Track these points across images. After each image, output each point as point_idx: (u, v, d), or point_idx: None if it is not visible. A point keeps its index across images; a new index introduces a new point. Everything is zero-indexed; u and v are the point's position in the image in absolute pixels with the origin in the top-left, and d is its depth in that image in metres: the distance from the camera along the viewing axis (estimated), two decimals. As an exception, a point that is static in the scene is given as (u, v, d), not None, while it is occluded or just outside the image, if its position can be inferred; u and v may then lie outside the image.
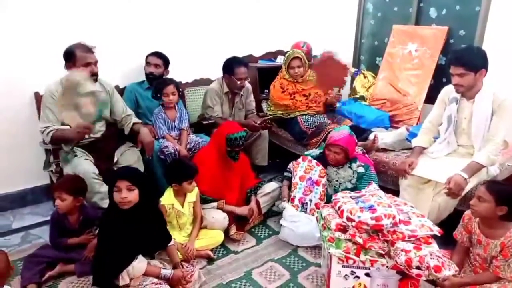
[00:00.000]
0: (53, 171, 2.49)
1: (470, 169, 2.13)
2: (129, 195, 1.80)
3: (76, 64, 2.31)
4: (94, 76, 2.38)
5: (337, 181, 2.51)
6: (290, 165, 2.67)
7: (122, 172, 1.95)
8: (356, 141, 2.55)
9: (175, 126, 2.85)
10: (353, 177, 2.47)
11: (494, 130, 2.18)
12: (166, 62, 3.05)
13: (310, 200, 2.47)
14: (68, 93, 2.14)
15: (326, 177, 2.52)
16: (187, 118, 2.95)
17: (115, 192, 1.81)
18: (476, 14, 3.14)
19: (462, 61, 2.12)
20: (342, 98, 3.76)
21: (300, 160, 2.61)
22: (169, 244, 2.01)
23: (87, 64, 2.33)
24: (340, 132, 2.50)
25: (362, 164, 2.47)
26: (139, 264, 1.83)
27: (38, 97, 2.63)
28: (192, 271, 1.96)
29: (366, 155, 2.71)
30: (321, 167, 2.53)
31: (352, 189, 2.38)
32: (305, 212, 2.46)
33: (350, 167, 2.48)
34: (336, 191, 2.48)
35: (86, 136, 2.24)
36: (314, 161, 2.56)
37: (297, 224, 2.36)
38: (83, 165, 2.30)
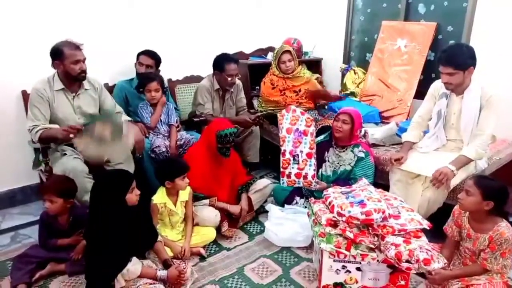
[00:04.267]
0: (43, 170, 2.46)
1: (458, 162, 2.18)
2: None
3: (65, 61, 2.28)
4: (83, 73, 2.36)
5: (338, 163, 2.55)
6: None
7: (130, 174, 1.97)
8: (362, 122, 2.61)
9: (162, 122, 2.84)
10: (353, 160, 2.51)
11: (482, 125, 2.21)
12: (158, 62, 3.02)
13: (301, 152, 2.50)
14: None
15: (325, 157, 2.57)
16: (176, 113, 2.93)
17: (130, 194, 1.81)
18: (463, 9, 3.17)
19: (452, 61, 2.15)
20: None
21: (284, 112, 2.62)
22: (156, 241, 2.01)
23: (77, 62, 2.30)
24: (350, 106, 2.63)
25: (364, 150, 2.52)
26: (134, 266, 1.81)
27: (25, 96, 2.60)
28: (184, 268, 1.96)
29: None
30: (306, 115, 2.59)
31: (349, 172, 2.47)
32: (297, 163, 2.48)
33: (352, 151, 2.53)
34: (335, 172, 2.55)
35: (71, 136, 2.20)
36: (299, 110, 2.61)
37: (280, 227, 2.36)
38: (73, 163, 2.28)
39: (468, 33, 3.13)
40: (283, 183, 2.55)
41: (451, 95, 2.32)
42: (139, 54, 2.99)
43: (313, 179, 2.48)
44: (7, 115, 2.68)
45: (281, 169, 2.54)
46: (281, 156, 2.53)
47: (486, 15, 3.00)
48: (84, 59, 2.34)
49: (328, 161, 2.60)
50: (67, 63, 2.28)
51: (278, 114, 2.65)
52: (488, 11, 2.99)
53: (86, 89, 2.47)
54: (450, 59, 2.16)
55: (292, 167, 2.51)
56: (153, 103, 2.80)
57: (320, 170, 2.60)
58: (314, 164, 2.50)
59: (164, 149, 2.64)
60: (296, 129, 2.53)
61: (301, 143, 2.51)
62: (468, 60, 2.15)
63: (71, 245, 2.10)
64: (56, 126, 2.30)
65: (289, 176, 2.52)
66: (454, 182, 2.16)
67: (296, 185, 2.53)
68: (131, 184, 1.84)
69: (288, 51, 3.22)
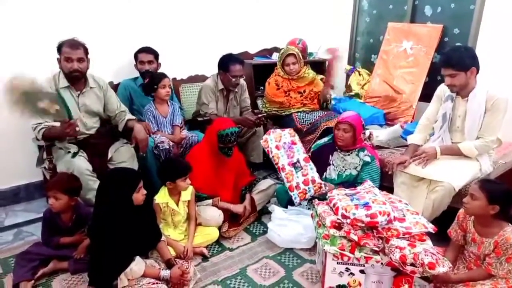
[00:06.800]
0: (46, 167, 2.45)
1: (447, 149, 2.27)
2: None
3: (61, 58, 2.32)
4: (76, 73, 2.35)
5: (343, 167, 2.54)
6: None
7: (138, 172, 1.99)
8: (364, 124, 2.59)
9: (166, 122, 2.83)
10: (359, 164, 2.50)
11: (485, 128, 2.21)
12: (157, 56, 3.02)
13: (298, 160, 2.51)
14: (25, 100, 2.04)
15: (330, 160, 2.58)
16: (180, 113, 2.93)
17: (137, 193, 1.82)
18: (470, 12, 3.16)
19: (450, 62, 2.16)
20: (338, 95, 3.79)
21: (265, 136, 2.67)
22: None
23: (67, 59, 2.31)
24: (349, 112, 2.62)
25: (369, 154, 2.50)
26: (138, 265, 1.81)
27: (30, 93, 2.59)
28: (187, 268, 1.96)
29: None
30: (288, 129, 2.65)
31: (355, 177, 2.46)
32: (301, 169, 2.47)
33: (357, 155, 2.51)
34: (340, 176, 2.54)
35: (77, 129, 2.20)
36: (278, 129, 2.68)
37: (283, 228, 2.35)
38: (77, 161, 2.28)
39: (475, 36, 3.12)
40: (295, 198, 2.45)
41: (457, 98, 2.31)
42: (136, 54, 2.98)
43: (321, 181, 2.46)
44: (12, 112, 2.68)
45: (288, 184, 2.47)
46: (281, 172, 2.50)
47: (494, 18, 2.99)
48: (79, 58, 2.33)
49: (333, 164, 2.58)
50: (62, 60, 2.32)
51: (261, 141, 2.66)
52: (496, 13, 2.97)
53: (91, 87, 2.48)
54: (449, 60, 2.17)
55: (297, 176, 2.46)
56: (164, 100, 2.80)
57: (324, 174, 2.58)
58: (314, 167, 2.48)
59: (167, 146, 2.63)
60: (283, 143, 2.56)
61: (294, 152, 2.52)
62: (467, 60, 2.15)
63: (74, 243, 2.10)
64: (58, 124, 2.30)
65: (297, 187, 2.44)
66: (459, 185, 2.14)
67: (308, 194, 2.43)
68: (139, 183, 1.84)
69: (293, 54, 3.20)
